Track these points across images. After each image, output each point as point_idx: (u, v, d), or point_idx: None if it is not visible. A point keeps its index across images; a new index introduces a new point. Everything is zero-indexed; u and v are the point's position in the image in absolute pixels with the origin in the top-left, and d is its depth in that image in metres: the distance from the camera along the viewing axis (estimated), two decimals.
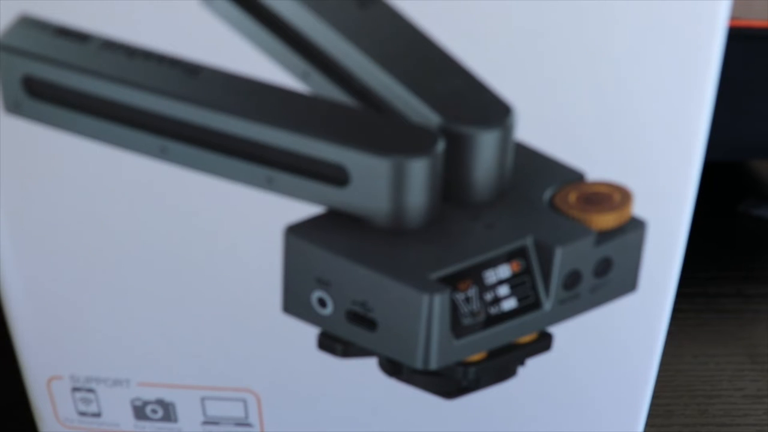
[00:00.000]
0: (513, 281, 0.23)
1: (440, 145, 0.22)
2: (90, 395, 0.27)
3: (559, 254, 0.23)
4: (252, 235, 0.23)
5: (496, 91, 0.21)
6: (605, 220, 0.23)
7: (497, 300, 0.23)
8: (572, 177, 0.23)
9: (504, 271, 0.23)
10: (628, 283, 0.24)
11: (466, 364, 0.24)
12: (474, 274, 0.23)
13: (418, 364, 0.23)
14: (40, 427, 0.28)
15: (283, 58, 0.21)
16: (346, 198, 0.22)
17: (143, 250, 0.24)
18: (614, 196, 0.23)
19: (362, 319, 0.24)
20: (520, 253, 0.23)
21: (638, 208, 0.23)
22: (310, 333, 0.25)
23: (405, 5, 0.20)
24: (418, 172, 0.22)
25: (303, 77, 0.22)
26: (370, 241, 0.23)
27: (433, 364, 0.23)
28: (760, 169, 0.51)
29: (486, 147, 0.22)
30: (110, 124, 0.22)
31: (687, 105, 0.21)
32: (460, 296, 0.23)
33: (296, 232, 0.23)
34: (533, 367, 0.25)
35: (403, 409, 0.26)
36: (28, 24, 0.21)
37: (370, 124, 0.22)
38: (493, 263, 0.23)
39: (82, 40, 0.21)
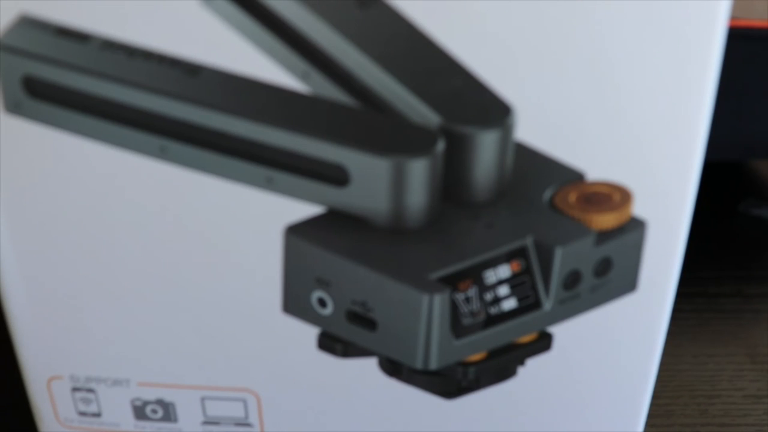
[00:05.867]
0: (513, 281, 0.23)
1: (440, 145, 0.22)
2: (90, 395, 0.27)
3: (559, 254, 0.23)
4: (252, 235, 0.23)
5: (496, 91, 0.21)
6: (605, 220, 0.23)
7: (497, 300, 0.23)
8: (572, 177, 0.23)
9: (504, 271, 0.23)
10: (628, 283, 0.24)
11: (466, 364, 0.24)
12: (474, 274, 0.23)
13: (418, 364, 0.23)
14: (40, 427, 0.28)
15: (283, 58, 0.21)
16: (346, 198, 0.22)
17: (143, 250, 0.24)
18: (614, 196, 0.23)
19: (362, 319, 0.24)
20: (520, 253, 0.23)
21: (638, 208, 0.23)
22: (310, 333, 0.25)
23: (405, 5, 0.20)
24: (418, 172, 0.22)
25: (303, 77, 0.22)
26: (370, 241, 0.23)
27: (433, 364, 0.23)
28: (760, 169, 0.51)
29: (486, 147, 0.22)
30: (110, 124, 0.22)
31: (687, 105, 0.21)
32: (460, 296, 0.23)
33: (296, 232, 0.23)
34: (533, 367, 0.25)
35: (403, 409, 0.26)
36: (28, 24, 0.21)
37: (370, 124, 0.22)
38: (493, 263, 0.23)
39: (82, 40, 0.21)
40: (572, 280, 0.23)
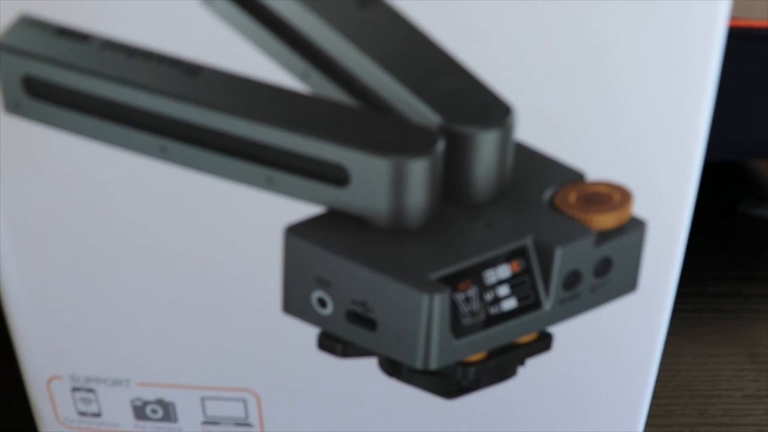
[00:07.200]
0: (513, 281, 0.23)
1: (440, 145, 0.22)
2: (90, 395, 0.27)
3: (559, 254, 0.23)
4: (252, 235, 0.23)
5: (496, 91, 0.21)
6: (605, 220, 0.23)
7: (497, 300, 0.23)
8: (572, 177, 0.23)
9: (504, 271, 0.23)
10: (628, 283, 0.24)
11: (466, 364, 0.24)
12: (474, 274, 0.23)
13: (418, 364, 0.23)
14: (40, 427, 0.28)
15: (283, 58, 0.21)
16: (346, 198, 0.22)
17: (143, 250, 0.24)
18: (614, 196, 0.23)
19: (362, 319, 0.24)
20: (520, 253, 0.23)
21: (638, 208, 0.23)
22: (310, 333, 0.25)
23: (405, 5, 0.20)
24: (418, 172, 0.22)
25: (303, 77, 0.22)
26: (370, 241, 0.23)
27: (433, 364, 0.23)
28: (760, 169, 0.51)
29: (486, 147, 0.22)
30: (110, 124, 0.22)
31: (687, 105, 0.21)
32: (460, 296, 0.23)
33: (296, 232, 0.23)
34: (533, 367, 0.25)
35: (403, 409, 0.26)
36: (28, 24, 0.21)
37: (370, 124, 0.22)
38: (493, 263, 0.23)
39: (82, 40, 0.21)
40: (572, 280, 0.23)
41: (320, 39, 0.22)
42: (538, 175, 0.23)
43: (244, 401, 0.27)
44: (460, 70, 0.21)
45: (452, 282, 0.23)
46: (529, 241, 0.23)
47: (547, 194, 0.23)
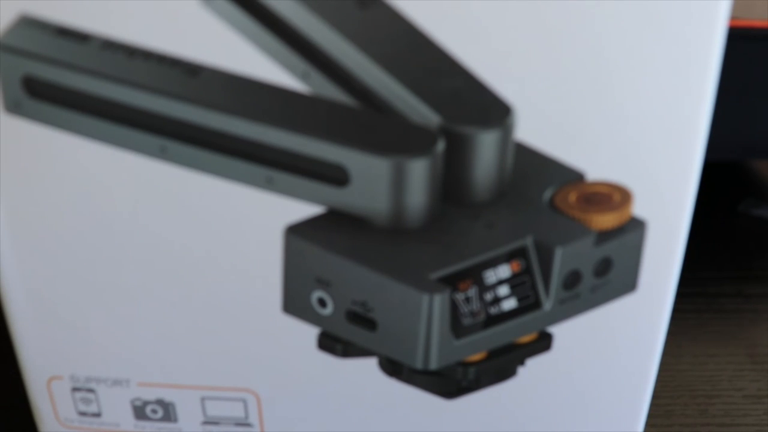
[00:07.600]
0: (513, 281, 0.23)
1: (440, 145, 0.22)
2: (90, 395, 0.27)
3: (559, 254, 0.23)
4: (252, 235, 0.23)
5: (496, 91, 0.21)
6: (605, 220, 0.23)
7: (497, 300, 0.23)
8: (572, 177, 0.23)
9: (504, 271, 0.23)
10: (628, 283, 0.24)
11: (466, 364, 0.24)
12: (474, 274, 0.23)
13: (418, 364, 0.23)
14: (40, 427, 0.28)
15: (283, 58, 0.21)
16: (346, 198, 0.22)
17: (143, 250, 0.24)
18: (614, 196, 0.23)
19: (362, 319, 0.24)
20: (520, 253, 0.23)
21: (638, 208, 0.23)
22: (310, 333, 0.25)
23: (405, 5, 0.20)
24: (418, 172, 0.22)
25: (303, 77, 0.22)
26: (370, 241, 0.23)
27: (433, 364, 0.23)
28: (760, 169, 0.51)
29: (486, 147, 0.22)
30: (110, 124, 0.22)
31: (687, 105, 0.21)
32: (460, 296, 0.23)
33: (296, 232, 0.23)
34: (533, 367, 0.25)
35: (403, 409, 0.26)
36: (28, 24, 0.21)
37: (370, 124, 0.22)
38: (493, 263, 0.23)
39: (82, 40, 0.21)
40: (572, 280, 0.23)
41: (320, 39, 0.22)
42: (538, 175, 0.23)
43: (244, 401, 0.27)
44: (460, 70, 0.21)
45: (452, 282, 0.23)
46: (529, 241, 0.23)
47: (547, 194, 0.23)
